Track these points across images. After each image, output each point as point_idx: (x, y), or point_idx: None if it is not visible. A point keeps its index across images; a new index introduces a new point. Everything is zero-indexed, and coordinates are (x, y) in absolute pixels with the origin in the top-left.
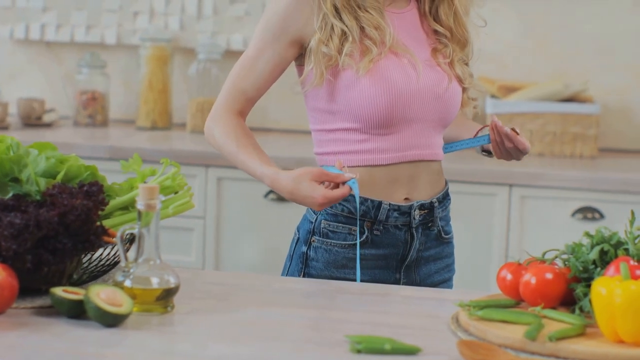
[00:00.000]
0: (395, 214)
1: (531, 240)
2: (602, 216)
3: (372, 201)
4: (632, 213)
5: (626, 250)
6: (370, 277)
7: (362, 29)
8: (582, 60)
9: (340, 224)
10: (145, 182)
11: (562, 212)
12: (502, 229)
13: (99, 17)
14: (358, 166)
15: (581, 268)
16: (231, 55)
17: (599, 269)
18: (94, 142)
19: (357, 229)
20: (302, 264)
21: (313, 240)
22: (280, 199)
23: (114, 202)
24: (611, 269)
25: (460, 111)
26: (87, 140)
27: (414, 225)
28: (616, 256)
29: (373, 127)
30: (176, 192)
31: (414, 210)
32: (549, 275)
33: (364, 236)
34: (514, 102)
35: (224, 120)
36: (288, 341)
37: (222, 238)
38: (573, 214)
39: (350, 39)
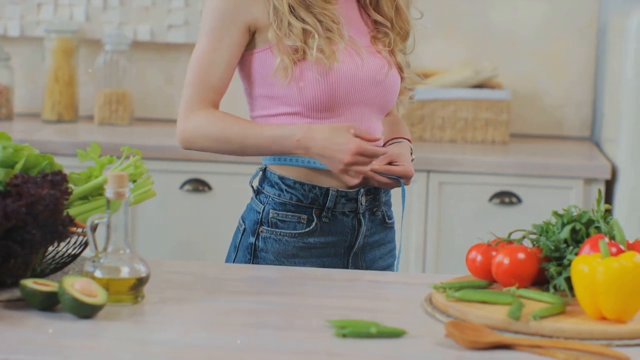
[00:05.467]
0: (343, 200)
1: (450, 225)
2: (519, 200)
3: (320, 188)
4: (600, 192)
5: (597, 228)
6: (319, 265)
7: (321, 23)
8: (490, 47)
9: (289, 213)
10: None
11: (479, 197)
12: (420, 214)
13: (2, 9)
14: None
15: (552, 247)
16: (138, 46)
17: (570, 247)
18: None
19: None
20: (251, 255)
21: (261, 231)
22: (197, 190)
23: (75, 192)
24: (586, 247)
25: (398, 100)
26: None
27: (361, 211)
28: (588, 234)
29: (315, 110)
30: (134, 181)
31: (361, 196)
32: (522, 256)
33: (313, 224)
34: (425, 90)
35: (209, 114)
36: (270, 328)
37: (136, 230)
38: (490, 199)
39: (316, 36)
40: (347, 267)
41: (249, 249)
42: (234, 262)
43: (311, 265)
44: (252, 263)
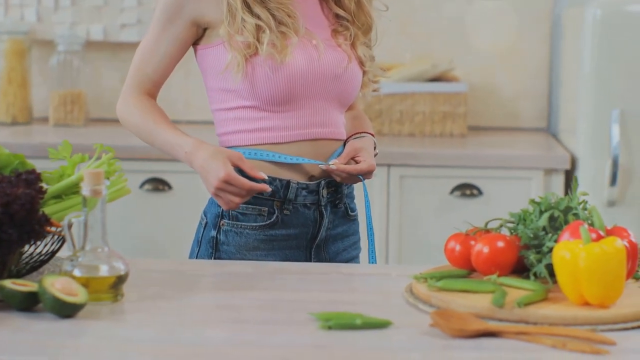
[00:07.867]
0: (304, 192)
1: (412, 218)
2: (480, 192)
3: (281, 180)
4: (575, 179)
5: (575, 215)
6: (282, 258)
7: (274, 17)
8: (445, 40)
9: (250, 206)
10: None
11: (441, 190)
12: (382, 208)
13: None
14: (261, 144)
15: (531, 235)
16: (92, 45)
17: (549, 235)
18: None
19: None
20: (213, 249)
21: (222, 224)
22: (156, 189)
23: (49, 191)
24: (565, 234)
25: (360, 93)
26: None
27: (322, 204)
28: (566, 222)
29: (271, 104)
30: (107, 179)
31: (322, 189)
32: (501, 244)
33: (274, 216)
34: (382, 84)
35: (136, 102)
36: (254, 323)
37: None
38: (452, 192)
39: (267, 31)
40: (310, 260)
41: (211, 242)
42: (197, 256)
43: (273, 258)
44: (215, 256)
